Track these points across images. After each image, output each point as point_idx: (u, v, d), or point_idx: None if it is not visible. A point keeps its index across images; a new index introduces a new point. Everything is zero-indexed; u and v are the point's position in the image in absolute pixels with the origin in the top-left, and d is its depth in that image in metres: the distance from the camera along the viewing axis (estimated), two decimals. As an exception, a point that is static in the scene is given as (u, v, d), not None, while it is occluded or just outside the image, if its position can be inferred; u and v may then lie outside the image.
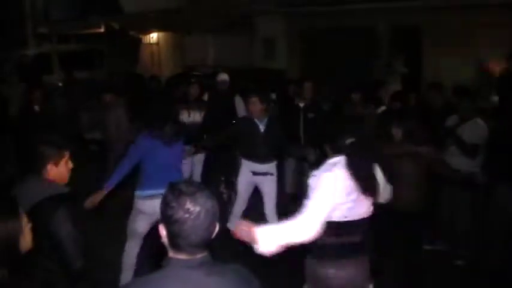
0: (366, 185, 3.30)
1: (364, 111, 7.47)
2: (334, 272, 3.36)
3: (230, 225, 5.89)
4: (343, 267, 3.36)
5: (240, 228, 3.19)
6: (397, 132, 4.97)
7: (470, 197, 5.87)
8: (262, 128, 6.09)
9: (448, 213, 5.99)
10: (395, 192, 4.86)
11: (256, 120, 6.07)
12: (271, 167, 6.21)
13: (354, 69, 12.22)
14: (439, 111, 6.58)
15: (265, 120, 6.12)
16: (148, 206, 4.96)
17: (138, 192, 5.21)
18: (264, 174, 6.17)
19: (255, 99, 6.02)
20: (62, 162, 3.29)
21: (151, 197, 4.87)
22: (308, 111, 7.20)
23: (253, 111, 6.07)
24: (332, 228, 3.27)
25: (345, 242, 3.35)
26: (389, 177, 3.63)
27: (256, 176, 6.21)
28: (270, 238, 3.12)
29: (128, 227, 5.31)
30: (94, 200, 4.84)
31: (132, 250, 5.26)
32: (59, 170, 3.28)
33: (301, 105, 7.28)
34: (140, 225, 5.18)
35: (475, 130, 5.71)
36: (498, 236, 5.60)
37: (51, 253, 3.04)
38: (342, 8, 12.84)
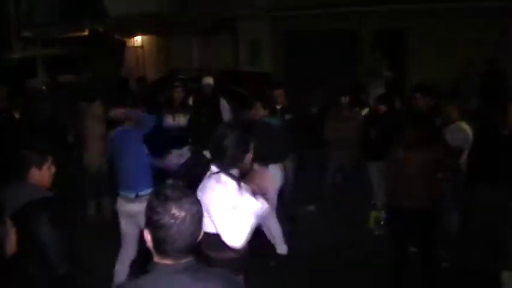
0: None
1: (350, 113, 7.54)
2: None
3: (281, 250, 6.05)
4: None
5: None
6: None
7: (455, 199, 5.92)
8: None
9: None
10: (405, 190, 4.95)
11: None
12: None
13: (339, 72, 12.28)
14: (423, 113, 6.61)
15: None
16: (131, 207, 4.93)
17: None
18: None
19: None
20: (45, 166, 3.28)
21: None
22: (285, 113, 7.26)
23: None
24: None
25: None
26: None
27: None
28: None
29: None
30: None
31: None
32: (41, 174, 3.26)
33: (278, 107, 7.33)
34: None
35: (459, 133, 5.76)
36: (481, 237, 5.64)
37: (36, 258, 3.02)
38: (326, 11, 12.90)
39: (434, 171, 5.04)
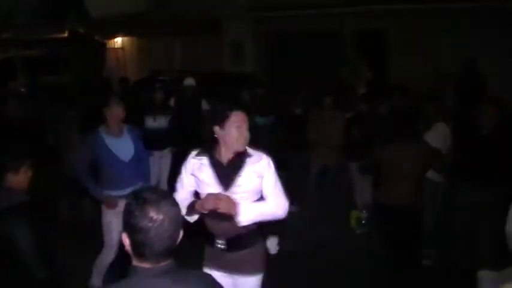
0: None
1: (333, 114, 7.54)
2: None
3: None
4: None
5: (221, 200, 3.20)
6: None
7: (437, 197, 5.95)
8: None
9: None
10: (396, 189, 4.95)
11: None
12: None
13: (322, 72, 12.30)
14: (406, 114, 6.65)
15: None
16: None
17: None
18: None
19: None
20: (22, 170, 3.24)
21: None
22: (267, 113, 7.27)
23: None
24: None
25: None
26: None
27: None
28: (251, 213, 3.27)
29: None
30: None
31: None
32: (18, 178, 3.22)
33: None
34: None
35: (440, 134, 5.79)
36: (462, 236, 5.69)
37: (16, 263, 2.99)
38: (309, 12, 12.93)
39: (419, 170, 5.06)
